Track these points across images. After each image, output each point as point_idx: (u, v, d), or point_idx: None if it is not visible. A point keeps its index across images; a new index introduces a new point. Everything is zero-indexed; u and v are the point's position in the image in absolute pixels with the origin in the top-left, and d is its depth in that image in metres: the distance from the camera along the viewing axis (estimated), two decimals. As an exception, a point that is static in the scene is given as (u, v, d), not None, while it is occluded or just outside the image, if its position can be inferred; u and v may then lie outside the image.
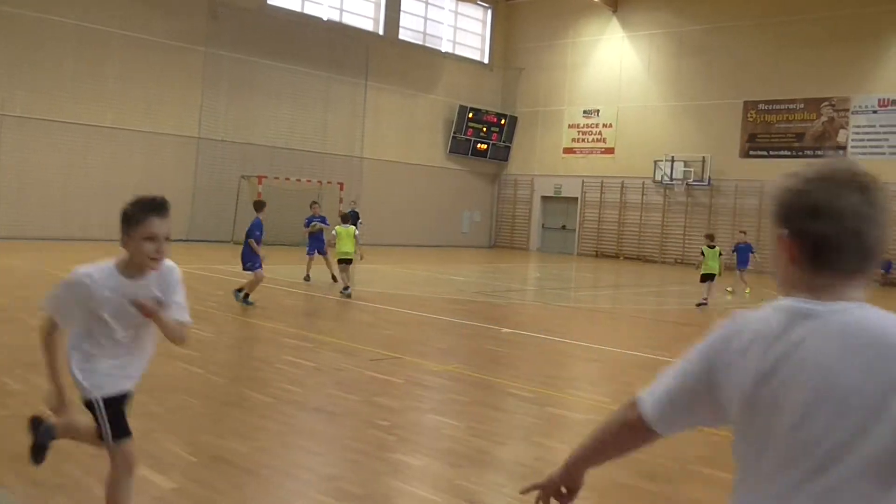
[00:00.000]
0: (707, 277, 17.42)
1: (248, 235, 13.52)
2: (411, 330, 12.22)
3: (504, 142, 39.06)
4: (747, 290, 20.79)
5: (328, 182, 31.34)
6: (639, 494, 5.20)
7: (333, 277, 17.01)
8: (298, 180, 30.44)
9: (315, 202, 19.48)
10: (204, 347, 9.31)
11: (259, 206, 14.15)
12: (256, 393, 7.41)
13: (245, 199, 29.44)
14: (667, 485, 5.38)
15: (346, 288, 14.95)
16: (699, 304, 17.13)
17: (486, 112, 38.21)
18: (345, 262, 15.17)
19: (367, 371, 8.75)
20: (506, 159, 39.48)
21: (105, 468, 3.82)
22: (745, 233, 23.54)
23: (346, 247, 15.13)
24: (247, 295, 12.91)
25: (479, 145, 38.12)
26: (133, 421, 3.86)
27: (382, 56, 34.09)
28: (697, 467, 5.79)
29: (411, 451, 6.01)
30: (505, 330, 12.09)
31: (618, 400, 8.07)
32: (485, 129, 38.19)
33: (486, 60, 39.43)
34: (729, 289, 21.03)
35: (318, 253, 17.94)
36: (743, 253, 21.45)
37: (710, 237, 18.70)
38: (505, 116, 38.87)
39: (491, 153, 38.76)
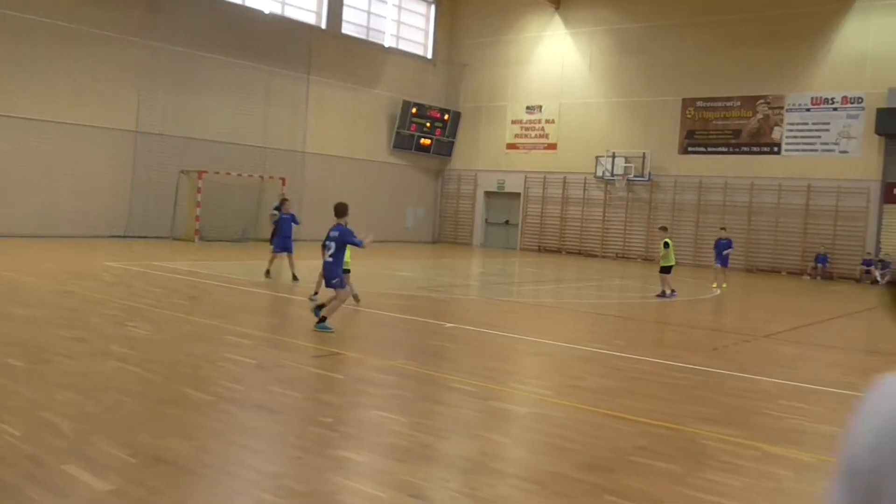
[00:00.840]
0: (667, 269, 18.44)
1: (340, 242, 11.01)
2: (354, 326, 12.17)
3: (448, 137, 39.13)
4: (724, 285, 21.46)
5: (270, 177, 31.03)
6: (579, 485, 5.26)
7: (294, 276, 16.79)
8: (240, 175, 30.07)
9: (286, 199, 18.89)
10: (140, 345, 9.14)
11: (342, 210, 11.32)
12: (196, 391, 7.30)
13: (184, 194, 28.97)
14: (607, 475, 5.45)
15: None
16: (660, 296, 17.98)
17: (430, 107, 38.22)
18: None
19: (310, 368, 8.70)
20: (449, 154, 39.56)
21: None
22: (724, 229, 23.64)
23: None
24: (324, 318, 10.88)
25: (422, 140, 38.12)
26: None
27: (325, 50, 33.83)
28: (636, 457, 5.89)
29: (355, 447, 5.99)
30: (448, 325, 12.13)
31: (561, 393, 8.17)
32: (428, 125, 38.20)
33: (429, 56, 39.43)
34: (714, 285, 21.69)
35: (284, 251, 17.25)
36: (722, 249, 21.84)
37: (665, 229, 19.49)
38: (448, 112, 38.93)
39: (434, 148, 38.80)
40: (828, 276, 29.18)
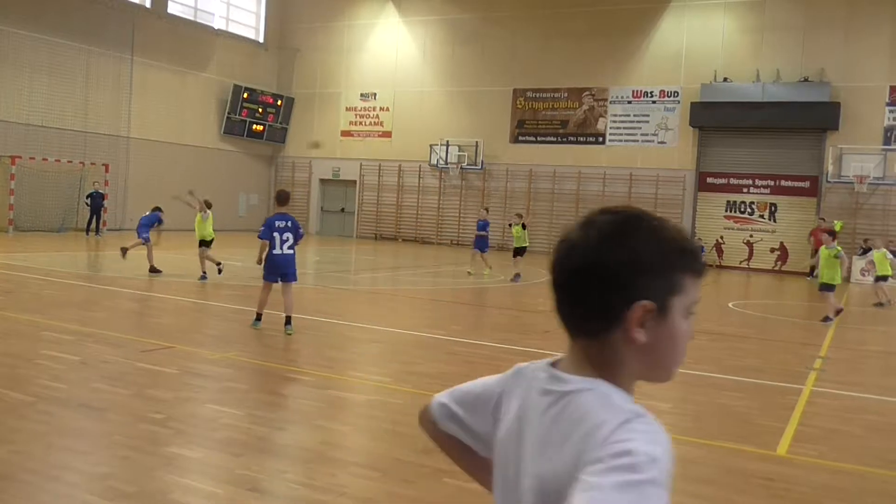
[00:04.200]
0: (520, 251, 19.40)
1: (295, 232, 10.51)
2: (184, 317, 11.75)
3: (281, 123, 38.38)
4: (485, 271, 20.65)
5: (92, 163, 29.37)
6: (419, 469, 5.32)
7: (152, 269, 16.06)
8: (58, 161, 28.27)
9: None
10: (-51, 344, 8.44)
11: (286, 198, 10.76)
12: (12, 392, 6.82)
13: (-5, 180, 26.95)
14: (446, 457, 5.53)
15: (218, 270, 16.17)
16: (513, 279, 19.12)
17: (262, 92, 37.34)
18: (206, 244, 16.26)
19: (138, 363, 8.32)
20: (283, 141, 38.84)
21: None
22: (487, 209, 23.68)
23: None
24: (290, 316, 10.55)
25: (254, 126, 37.20)
26: None
27: (149, 30, 32.30)
28: (474, 440, 6.01)
29: (188, 443, 5.79)
30: (284, 314, 11.91)
31: (400, 380, 8.23)
32: (261, 110, 37.32)
33: (261, 39, 38.48)
34: (471, 271, 20.83)
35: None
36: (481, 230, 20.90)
37: (521, 216, 20.05)
38: (281, 97, 38.17)
39: (268, 135, 37.97)
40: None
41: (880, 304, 18.40)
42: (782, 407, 7.84)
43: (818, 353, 11.14)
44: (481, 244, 20.70)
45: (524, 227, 20.13)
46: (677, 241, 1.36)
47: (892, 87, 28.23)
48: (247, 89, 36.36)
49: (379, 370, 8.94)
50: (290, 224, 10.46)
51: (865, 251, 25.28)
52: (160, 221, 16.97)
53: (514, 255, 19.89)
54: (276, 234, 10.32)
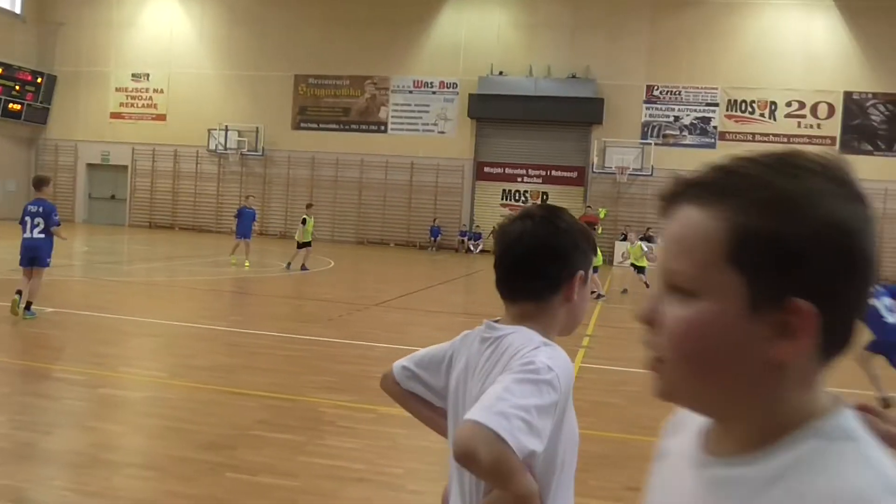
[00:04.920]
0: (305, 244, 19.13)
1: (46, 218, 10.49)
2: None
3: (42, 103, 35.51)
4: (246, 263, 19.79)
5: None
6: (199, 465, 5.16)
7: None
8: None
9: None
10: None
11: (43, 182, 10.82)
12: None
13: None
14: (228, 452, 5.40)
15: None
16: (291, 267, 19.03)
17: (20, 69, 34.34)
18: None
19: None
20: (44, 122, 35.95)
21: None
22: (251, 197, 22.60)
23: None
24: (31, 302, 10.35)
25: (11, 105, 34.15)
26: None
27: None
28: (257, 431, 5.91)
29: (-63, 453, 5.26)
30: (48, 310, 11.06)
31: (177, 374, 7.91)
32: (18, 88, 34.33)
33: (18, 11, 35.31)
34: (234, 261, 20.02)
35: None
36: (249, 219, 20.27)
37: (308, 207, 19.88)
38: (42, 75, 35.29)
39: (26, 115, 34.99)
40: (443, 247, 31.71)
41: (625, 291, 19.66)
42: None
43: (585, 332, 11.92)
44: (245, 232, 19.98)
45: (304, 221, 19.53)
46: (584, 227, 1.80)
47: (648, 86, 30.66)
48: (2, 64, 33.29)
49: (154, 365, 8.55)
50: (41, 209, 10.44)
51: (625, 237, 27.30)
52: None
53: (300, 248, 19.35)
54: (27, 219, 10.41)
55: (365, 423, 6.34)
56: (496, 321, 1.79)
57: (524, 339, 1.66)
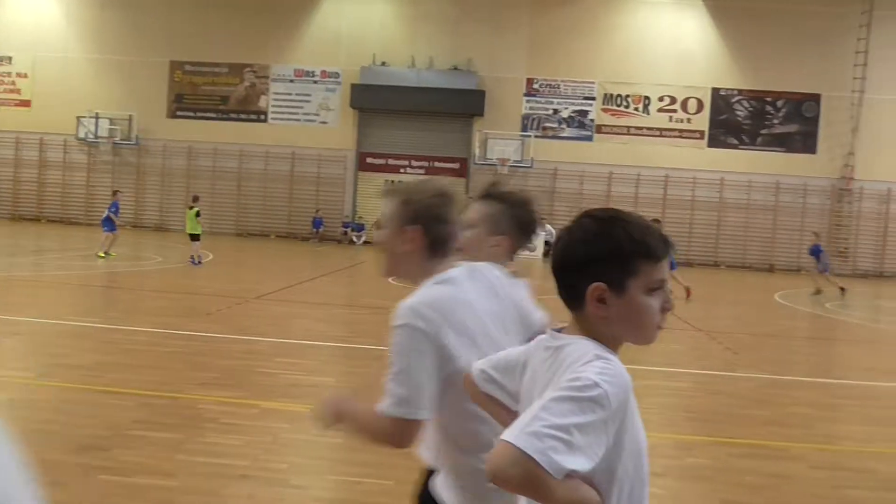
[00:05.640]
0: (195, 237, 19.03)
1: None
2: None
3: None
4: (112, 254, 19.46)
5: None
6: (71, 469, 4.91)
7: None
8: None
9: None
10: None
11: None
12: None
13: None
14: (102, 453, 5.17)
15: None
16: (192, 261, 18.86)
17: None
18: None
19: None
20: None
21: None
22: (118, 192, 21.93)
23: None
24: None
25: None
26: None
27: None
28: (134, 431, 5.68)
29: None
30: None
31: (46, 374, 7.51)
32: None
33: None
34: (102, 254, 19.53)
35: None
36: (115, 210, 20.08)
37: (195, 199, 19.77)
38: None
39: None
40: (326, 239, 31.35)
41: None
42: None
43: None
44: (109, 224, 19.64)
45: (198, 214, 19.37)
46: (633, 236, 1.66)
47: (528, 80, 31.19)
48: None
49: (20, 365, 8.09)
50: None
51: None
52: None
53: (193, 240, 19.23)
54: None
55: (248, 419, 6.19)
56: (560, 329, 1.77)
57: (580, 352, 1.63)
